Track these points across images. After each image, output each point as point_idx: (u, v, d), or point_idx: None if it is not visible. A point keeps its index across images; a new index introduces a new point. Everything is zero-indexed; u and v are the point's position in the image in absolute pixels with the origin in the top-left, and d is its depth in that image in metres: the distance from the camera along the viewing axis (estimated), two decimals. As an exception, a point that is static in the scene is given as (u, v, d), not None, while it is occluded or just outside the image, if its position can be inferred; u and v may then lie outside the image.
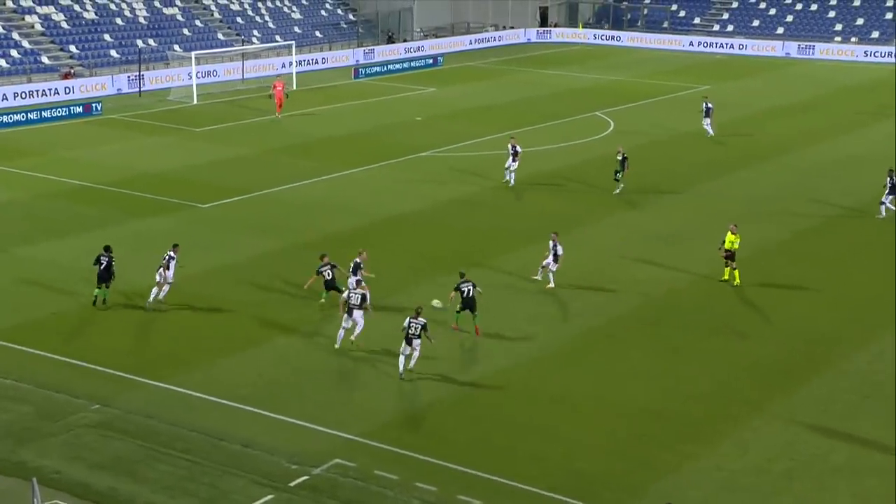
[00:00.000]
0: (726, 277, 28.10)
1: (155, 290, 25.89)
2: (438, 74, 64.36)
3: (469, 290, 24.62)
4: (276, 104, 49.63)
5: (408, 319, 22.20)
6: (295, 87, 57.20)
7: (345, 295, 23.53)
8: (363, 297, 23.30)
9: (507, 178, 37.01)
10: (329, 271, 25.84)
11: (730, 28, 78.87)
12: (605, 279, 28.58)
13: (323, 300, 25.97)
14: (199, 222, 33.19)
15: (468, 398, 21.64)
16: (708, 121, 45.52)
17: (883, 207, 33.70)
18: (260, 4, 71.05)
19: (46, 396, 21.16)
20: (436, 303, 25.23)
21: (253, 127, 47.76)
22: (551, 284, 27.54)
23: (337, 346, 23.54)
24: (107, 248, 26.44)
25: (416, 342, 22.21)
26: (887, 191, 33.59)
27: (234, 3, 69.77)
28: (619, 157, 36.59)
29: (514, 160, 36.67)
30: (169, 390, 21.58)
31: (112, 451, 19.23)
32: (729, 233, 27.99)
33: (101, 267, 26.09)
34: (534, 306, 26.54)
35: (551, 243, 27.64)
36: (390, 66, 64.82)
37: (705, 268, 29.52)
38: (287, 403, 21.14)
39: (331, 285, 25.83)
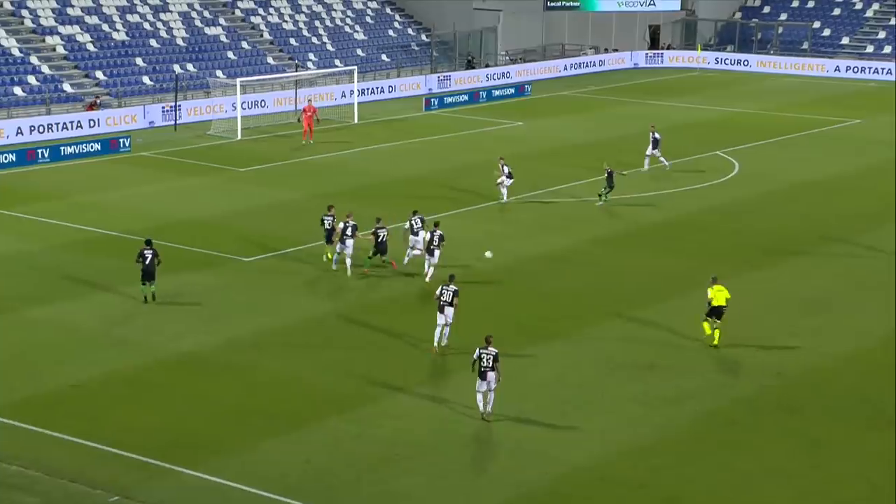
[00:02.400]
0: (710, 335, 28.28)
1: (339, 260, 33.42)
2: (526, 105, 64.89)
3: (384, 236, 32.68)
4: (304, 129, 52.00)
5: (477, 351, 23.77)
6: (357, 121, 58.27)
7: (437, 292, 27.66)
8: (455, 294, 27.40)
9: (502, 193, 41.56)
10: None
11: (887, 49, 77.97)
12: (728, 353, 28.23)
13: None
14: (242, 279, 33.79)
15: (561, 496, 21.49)
16: (657, 152, 46.77)
17: None
18: (317, 24, 72.77)
19: (58, 486, 21.48)
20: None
21: (307, 167, 48.64)
22: (428, 279, 32.18)
23: (435, 346, 27.56)
24: (148, 242, 31.23)
25: (492, 376, 23.59)
26: None
27: (286, 22, 71.62)
28: (606, 175, 40.80)
29: (508, 178, 41.28)
30: (201, 479, 21.85)
31: (133, 551, 19.51)
32: (711, 288, 28.27)
33: (145, 262, 30.50)
34: (641, 384, 26.35)
35: (429, 234, 32.23)
36: (469, 96, 65.63)
37: (856, 342, 28.95)
38: (340, 496, 21.26)
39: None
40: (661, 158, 46.98)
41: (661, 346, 28.78)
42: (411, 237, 33.31)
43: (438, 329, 27.56)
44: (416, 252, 33.21)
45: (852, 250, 36.93)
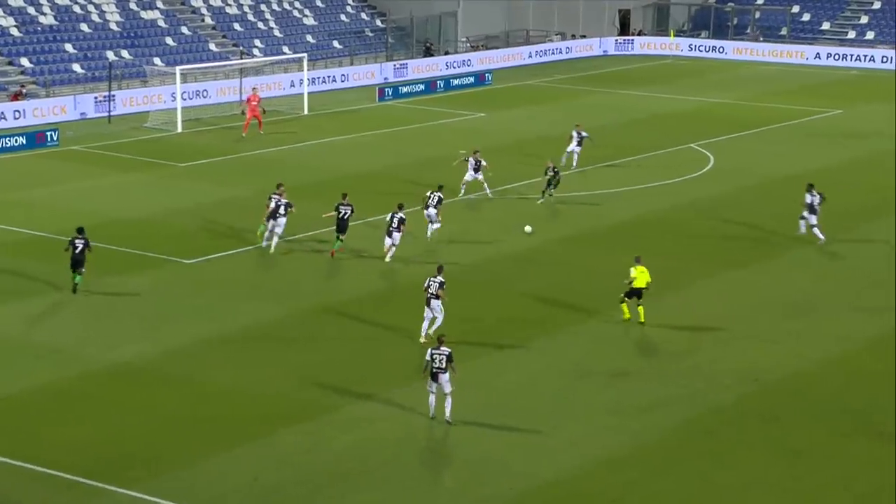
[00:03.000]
0: (627, 317, 30.05)
1: (269, 237, 35.22)
2: (488, 96, 65.01)
3: (346, 213, 34.69)
4: (247, 121, 52.17)
5: (429, 351, 24.14)
6: (306, 112, 58.11)
7: (425, 283, 28.46)
8: (441, 285, 28.27)
9: (484, 189, 41.98)
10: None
11: (870, 35, 78.89)
12: (703, 359, 28.42)
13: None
14: (182, 282, 33.60)
15: (525, 513, 21.54)
16: (579, 149, 46.44)
17: (803, 224, 37.37)
18: (263, 7, 72.51)
19: (-20, 508, 21.38)
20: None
21: (252, 162, 48.47)
22: (388, 259, 34.53)
23: (422, 339, 28.35)
24: (80, 230, 32.03)
25: (444, 378, 24.01)
26: (807, 209, 37.20)
27: (230, 5, 71.29)
28: (550, 174, 40.85)
29: (476, 173, 41.51)
30: (138, 499, 21.65)
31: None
32: (634, 268, 29.93)
33: (76, 251, 31.34)
34: (612, 393, 26.46)
35: (390, 215, 34.31)
36: (426, 85, 65.66)
37: (838, 346, 29.24)
38: (290, 517, 21.19)
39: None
40: (571, 156, 46.29)
41: (634, 351, 28.94)
42: (425, 212, 36.46)
43: (426, 322, 28.50)
44: (436, 226, 36.51)
45: (835, 249, 37.29)
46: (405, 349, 28.12)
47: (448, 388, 24.25)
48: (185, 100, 55.77)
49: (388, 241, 34.49)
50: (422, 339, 28.41)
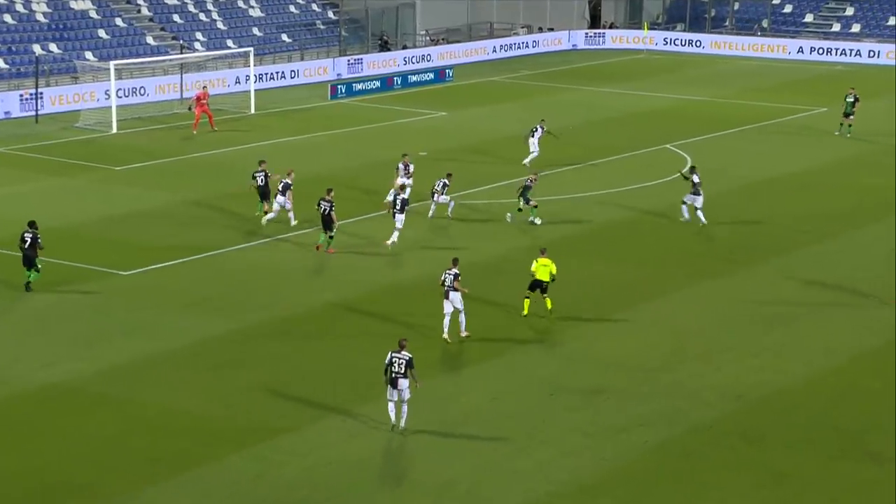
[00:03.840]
0: (525, 313, 31.24)
1: (272, 215, 38.47)
2: (449, 93, 65.14)
3: (326, 209, 35.71)
4: (197, 119, 52.51)
5: (389, 355, 24.65)
6: (253, 111, 58.02)
7: (441, 277, 29.45)
8: (456, 277, 29.24)
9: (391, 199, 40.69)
10: (263, 178, 38.33)
11: (855, 28, 79.75)
12: (682, 375, 28.57)
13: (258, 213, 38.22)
14: (119, 295, 33.43)
15: (493, 542, 21.57)
16: (535, 144, 47.08)
17: (685, 208, 39.68)
18: (205, -2, 72.37)
19: None
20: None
21: (194, 165, 48.31)
22: (389, 243, 36.78)
23: (446, 336, 29.46)
24: (31, 224, 32.73)
25: (404, 384, 24.35)
26: (691, 190, 39.62)
27: (168, -5, 71.07)
28: (529, 183, 40.15)
29: (408, 178, 41.35)
30: (73, 530, 21.59)
31: None
32: (536, 261, 31.16)
33: (26, 245, 32.27)
34: (587, 412, 26.53)
35: (392, 196, 37.09)
36: (382, 82, 65.71)
37: (825, 360, 29.48)
38: (238, 549, 21.14)
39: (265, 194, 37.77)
40: (533, 152, 46.86)
41: (609, 366, 29.01)
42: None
43: (447, 318, 29.30)
44: (451, 204, 39.59)
45: (820, 256, 37.59)
46: (366, 362, 27.98)
47: (407, 395, 24.56)
48: (120, 98, 55.53)
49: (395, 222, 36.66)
50: (445, 337, 29.45)
